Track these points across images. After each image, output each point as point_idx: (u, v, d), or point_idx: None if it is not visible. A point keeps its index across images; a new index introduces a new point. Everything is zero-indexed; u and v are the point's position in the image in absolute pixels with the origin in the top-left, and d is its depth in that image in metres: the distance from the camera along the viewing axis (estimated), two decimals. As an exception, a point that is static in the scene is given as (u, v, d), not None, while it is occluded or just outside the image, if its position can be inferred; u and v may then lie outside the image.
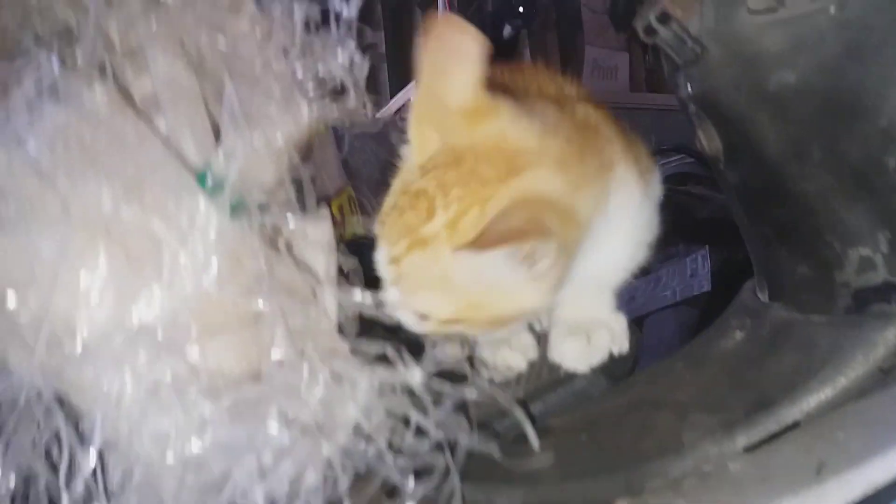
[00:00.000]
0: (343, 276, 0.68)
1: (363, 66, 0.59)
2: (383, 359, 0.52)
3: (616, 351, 0.74)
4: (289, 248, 0.60)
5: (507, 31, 3.67)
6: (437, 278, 0.62)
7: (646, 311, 2.77)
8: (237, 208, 0.56)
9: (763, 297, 0.82)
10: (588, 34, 4.17)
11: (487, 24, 3.82)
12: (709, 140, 0.79)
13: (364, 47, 0.59)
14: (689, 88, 0.76)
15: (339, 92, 0.59)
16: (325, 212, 0.69)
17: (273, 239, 0.59)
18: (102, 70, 0.57)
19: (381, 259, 0.66)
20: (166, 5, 0.58)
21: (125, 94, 0.56)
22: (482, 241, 0.57)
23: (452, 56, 0.61)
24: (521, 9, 3.37)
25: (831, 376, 0.67)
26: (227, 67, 0.59)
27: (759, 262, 0.82)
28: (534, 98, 0.73)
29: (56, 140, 0.51)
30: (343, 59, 0.58)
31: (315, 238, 0.64)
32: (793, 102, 0.66)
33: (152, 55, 0.58)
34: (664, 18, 0.74)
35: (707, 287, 2.06)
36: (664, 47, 0.77)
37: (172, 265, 0.52)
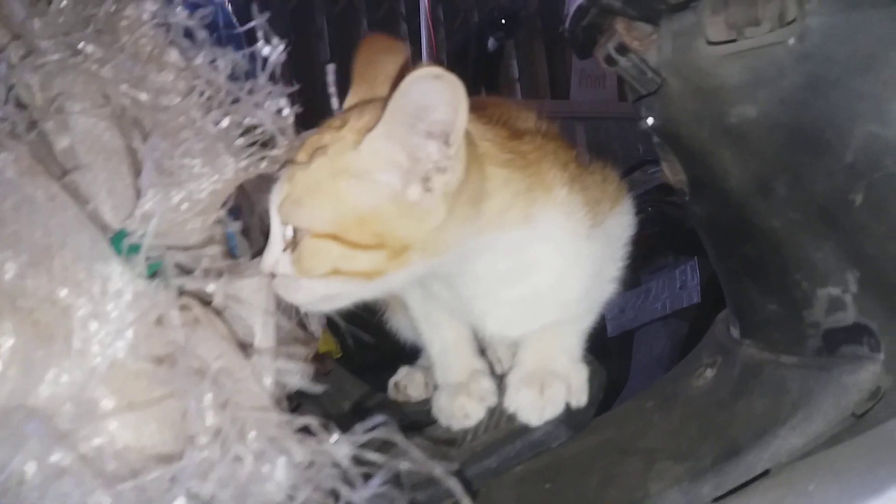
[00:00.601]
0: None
1: (291, 114, 0.55)
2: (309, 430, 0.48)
3: (574, 404, 0.70)
4: (220, 311, 0.56)
5: (492, 43, 3.65)
6: (329, 180, 0.60)
7: (636, 324, 2.74)
8: (156, 271, 0.53)
9: (735, 332, 0.78)
10: (575, 40, 4.14)
11: (472, 38, 3.81)
12: (673, 173, 0.75)
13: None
14: (651, 119, 0.73)
15: (266, 142, 0.56)
16: (256, 265, 0.66)
17: (204, 301, 0.55)
18: (15, 127, 0.53)
19: (273, 201, 0.62)
20: (87, 57, 0.54)
21: (38, 155, 0.53)
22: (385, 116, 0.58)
23: (383, 52, 0.70)
24: (503, 21, 3.35)
25: (802, 423, 0.64)
26: (150, 122, 0.55)
27: (730, 296, 0.79)
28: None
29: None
30: (270, 106, 0.54)
31: (250, 299, 0.60)
32: (755, 136, 0.63)
33: (72, 109, 0.54)
34: (622, 49, 0.71)
35: (697, 299, 2.03)
36: (625, 77, 0.74)
37: (83, 335, 0.48)
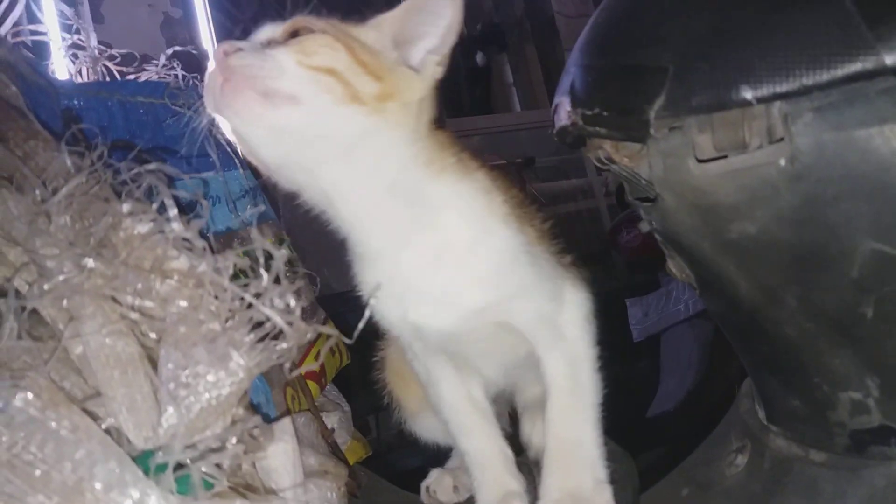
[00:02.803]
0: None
1: (297, 307, 0.56)
2: None
3: None
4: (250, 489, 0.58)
5: (480, 58, 3.64)
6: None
7: (660, 328, 2.72)
8: (184, 481, 0.54)
9: (762, 414, 0.78)
10: (566, 41, 4.12)
11: (459, 53, 3.81)
12: (679, 270, 0.75)
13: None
14: (652, 223, 0.73)
15: (275, 335, 0.56)
16: (285, 426, 0.67)
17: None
18: (34, 359, 0.54)
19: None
20: (91, 274, 0.56)
21: (59, 373, 0.54)
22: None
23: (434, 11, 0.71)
24: (488, 37, 3.34)
25: (838, 526, 0.64)
26: (159, 329, 0.56)
27: (754, 382, 0.79)
28: None
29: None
30: (278, 303, 0.55)
31: (275, 464, 0.62)
32: (757, 252, 0.63)
33: (84, 330, 0.55)
34: (611, 161, 0.71)
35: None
36: (620, 178, 0.74)
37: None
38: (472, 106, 3.80)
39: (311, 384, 0.97)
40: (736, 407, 0.85)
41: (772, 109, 0.58)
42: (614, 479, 0.74)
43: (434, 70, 0.71)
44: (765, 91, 0.56)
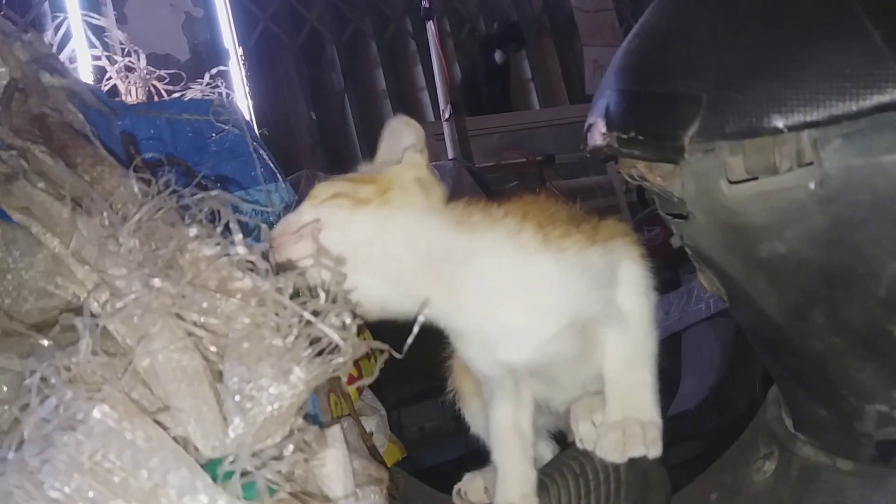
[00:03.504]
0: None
1: (353, 324, 0.60)
2: None
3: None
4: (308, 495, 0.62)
5: (499, 56, 3.66)
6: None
7: (682, 327, 2.73)
8: (249, 487, 0.58)
9: (788, 423, 0.81)
10: (584, 35, 4.13)
11: (479, 52, 3.83)
12: (710, 283, 0.78)
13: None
14: (683, 239, 0.76)
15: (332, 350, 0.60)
16: (335, 432, 0.71)
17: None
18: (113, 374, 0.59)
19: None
20: (159, 293, 0.60)
21: (129, 399, 0.58)
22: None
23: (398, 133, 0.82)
24: (504, 36, 3.37)
25: (864, 534, 0.67)
26: (223, 345, 0.60)
27: (782, 391, 0.81)
28: None
29: (71, 469, 0.54)
30: (335, 321, 0.59)
31: (327, 470, 0.66)
32: (787, 270, 0.66)
33: (154, 347, 0.60)
34: (643, 179, 0.74)
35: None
36: (652, 194, 0.77)
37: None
38: (492, 104, 3.82)
39: (352, 390, 1.01)
40: (763, 413, 0.88)
41: (801, 135, 0.61)
42: (648, 484, 0.78)
43: (414, 157, 0.79)
44: (795, 120, 0.59)
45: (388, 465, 1.01)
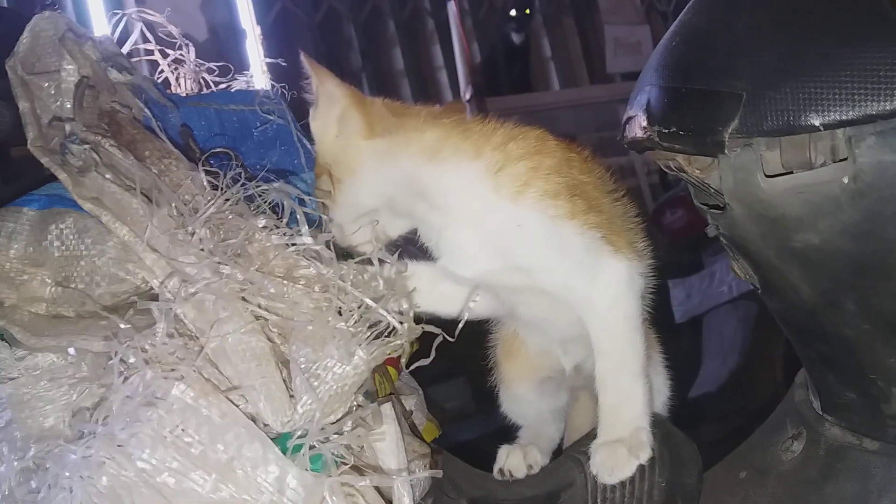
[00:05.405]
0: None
1: (410, 309, 0.64)
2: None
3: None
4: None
5: (517, 36, 3.66)
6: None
7: (703, 310, 2.74)
8: (316, 460, 0.62)
9: (816, 405, 0.84)
10: (604, 13, 4.10)
11: (496, 34, 3.82)
12: (743, 272, 0.81)
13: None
14: (719, 228, 0.79)
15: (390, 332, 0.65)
16: (388, 409, 0.76)
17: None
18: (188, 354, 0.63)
19: None
20: (229, 279, 0.64)
21: (203, 378, 0.63)
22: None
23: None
24: (524, 11, 3.34)
25: (889, 510, 0.70)
26: (289, 328, 0.65)
27: (810, 374, 0.85)
28: None
29: (155, 442, 0.59)
30: (392, 306, 0.63)
31: (382, 445, 0.70)
32: (820, 260, 0.69)
33: (225, 331, 0.64)
34: (681, 170, 0.77)
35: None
36: (689, 185, 0.80)
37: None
38: (511, 85, 3.82)
39: (391, 369, 1.05)
40: (791, 396, 0.91)
41: (836, 132, 0.64)
42: (680, 462, 0.82)
43: (319, 111, 0.88)
44: (831, 118, 0.62)
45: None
